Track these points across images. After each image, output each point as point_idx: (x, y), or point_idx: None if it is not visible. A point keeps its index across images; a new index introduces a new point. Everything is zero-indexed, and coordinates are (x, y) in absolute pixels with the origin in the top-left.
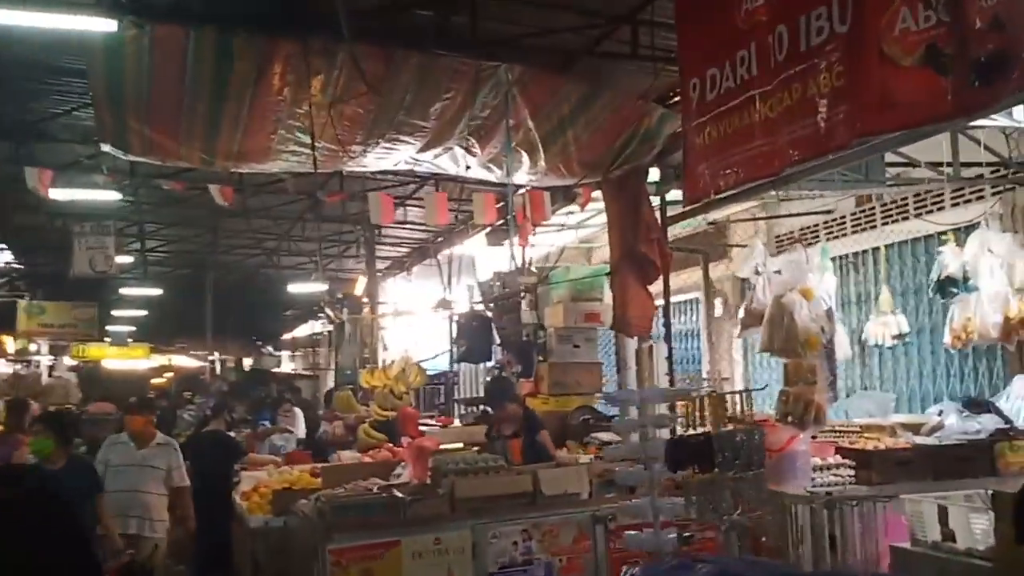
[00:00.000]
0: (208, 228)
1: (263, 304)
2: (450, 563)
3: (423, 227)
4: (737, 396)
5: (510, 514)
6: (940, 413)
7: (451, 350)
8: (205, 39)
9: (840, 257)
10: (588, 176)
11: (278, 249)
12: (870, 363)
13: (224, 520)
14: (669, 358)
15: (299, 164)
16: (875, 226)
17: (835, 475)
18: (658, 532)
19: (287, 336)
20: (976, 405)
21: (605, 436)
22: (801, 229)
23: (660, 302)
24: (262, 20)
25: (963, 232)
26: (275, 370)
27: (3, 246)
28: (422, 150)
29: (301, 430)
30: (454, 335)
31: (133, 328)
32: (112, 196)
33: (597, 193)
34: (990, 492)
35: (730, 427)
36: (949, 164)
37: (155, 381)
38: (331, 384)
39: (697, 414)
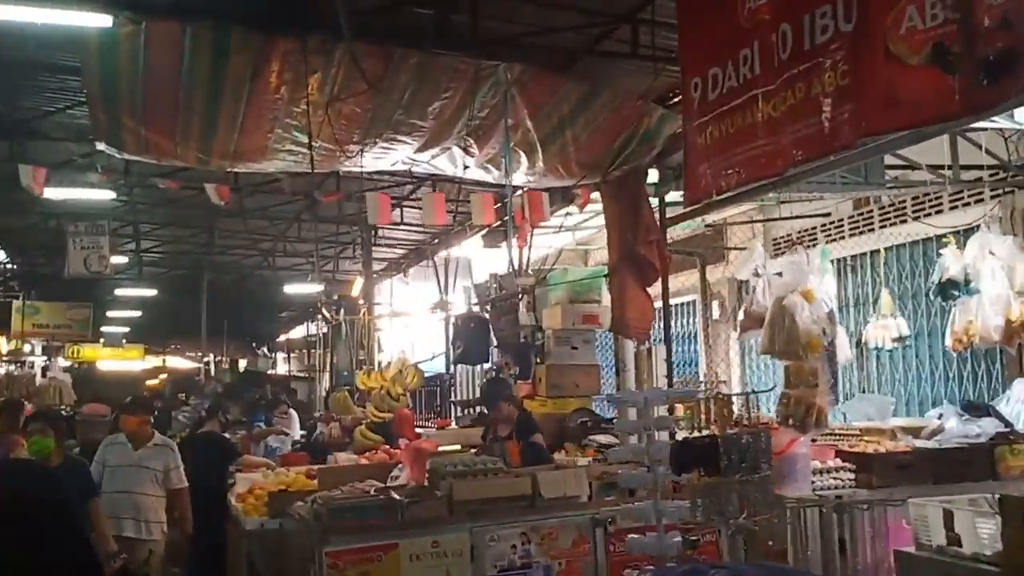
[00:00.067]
0: (203, 228)
1: (258, 305)
2: (448, 566)
3: (420, 228)
4: (740, 399)
5: (509, 517)
6: (940, 417)
7: (447, 352)
8: (202, 36)
9: (838, 260)
10: (587, 177)
11: (274, 250)
12: (868, 366)
13: (219, 522)
14: (668, 360)
15: (296, 164)
16: (873, 229)
17: (835, 478)
18: (662, 536)
19: (282, 338)
20: (976, 409)
21: (603, 438)
22: (799, 232)
23: (659, 304)
24: (260, 17)
25: (962, 235)
26: (270, 372)
27: None
28: (420, 150)
29: (297, 432)
30: (451, 336)
31: (127, 329)
32: (107, 195)
33: (595, 195)
34: (997, 496)
35: (735, 430)
36: (949, 167)
37: (149, 382)
38: (326, 386)
39: (702, 416)
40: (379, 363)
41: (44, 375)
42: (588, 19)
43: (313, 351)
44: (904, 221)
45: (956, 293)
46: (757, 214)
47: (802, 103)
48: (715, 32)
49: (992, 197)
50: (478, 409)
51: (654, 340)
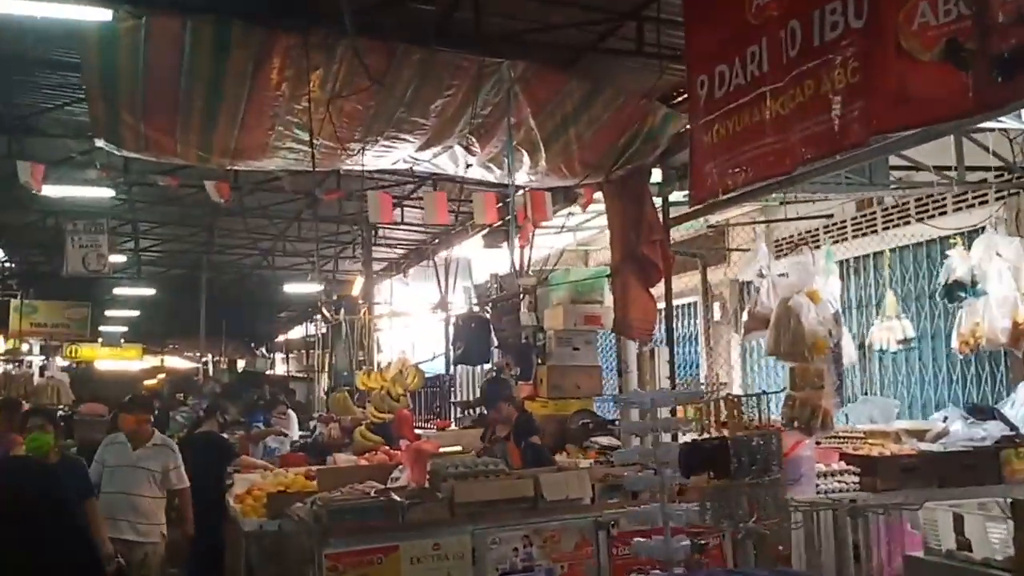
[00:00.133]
0: (203, 227)
1: (257, 305)
2: (449, 569)
3: (420, 228)
4: (746, 400)
5: (511, 519)
6: (945, 419)
7: (447, 352)
8: (203, 30)
9: (841, 262)
10: (590, 176)
11: (273, 249)
12: (871, 368)
13: (217, 523)
14: (671, 362)
15: (296, 161)
16: (876, 231)
17: (840, 481)
18: (668, 540)
19: (281, 338)
20: (981, 412)
21: (605, 440)
22: (801, 233)
23: (661, 305)
24: (261, 12)
25: (965, 237)
26: (268, 372)
27: None
28: (421, 148)
29: (295, 432)
30: (451, 337)
31: (126, 329)
32: (105, 193)
33: (597, 195)
34: (1009, 500)
35: (745, 432)
36: (954, 168)
37: (147, 382)
38: (325, 387)
39: (711, 417)
40: (378, 364)
41: (42, 375)
42: (592, 16)
43: (312, 351)
44: (907, 223)
45: (963, 295)
46: (759, 215)
47: (811, 100)
48: (722, 29)
49: (997, 199)
50: (478, 410)
51: (657, 341)
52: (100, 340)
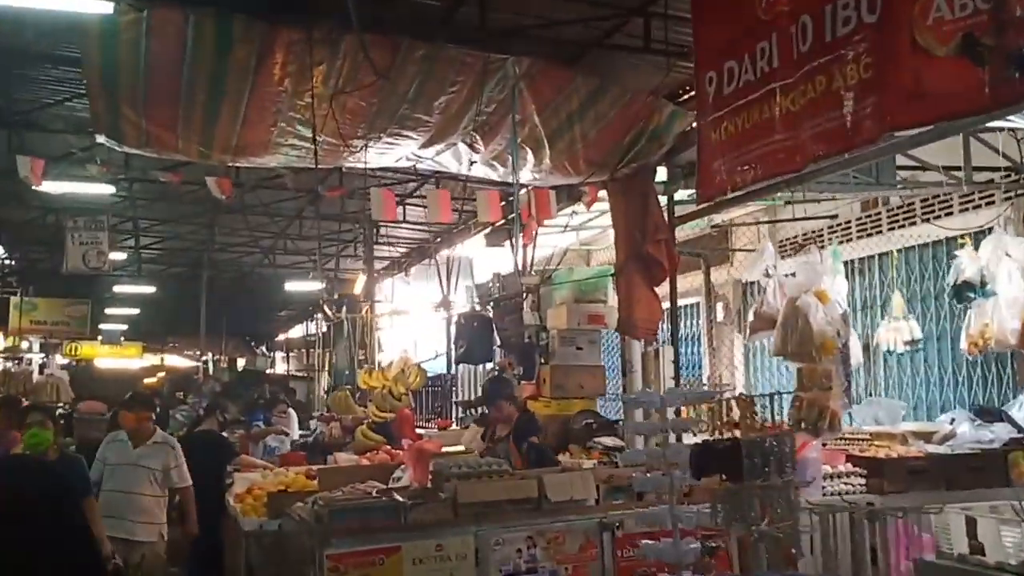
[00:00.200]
0: (204, 225)
1: (257, 304)
2: (452, 570)
3: (422, 227)
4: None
5: (514, 520)
6: (952, 421)
7: (449, 351)
8: (205, 24)
9: (846, 262)
10: (595, 174)
11: (274, 247)
12: (875, 370)
13: (217, 522)
14: (676, 362)
15: (299, 158)
16: (881, 231)
17: (846, 483)
18: (677, 542)
19: (281, 337)
20: (988, 414)
21: (608, 441)
22: (805, 234)
23: (666, 305)
24: (264, 6)
25: (972, 238)
26: (269, 371)
27: None
28: (424, 145)
29: (296, 431)
30: (454, 336)
31: (126, 327)
32: (106, 189)
33: (601, 193)
34: (1023, 503)
35: (758, 433)
36: (960, 168)
37: (147, 381)
38: (325, 386)
39: (723, 418)
40: (379, 363)
41: (41, 372)
42: (599, 12)
43: (312, 350)
44: (913, 223)
45: (972, 295)
46: (763, 215)
47: (822, 97)
48: (731, 24)
49: (1004, 199)
50: (480, 410)
51: (661, 341)
52: (100, 338)
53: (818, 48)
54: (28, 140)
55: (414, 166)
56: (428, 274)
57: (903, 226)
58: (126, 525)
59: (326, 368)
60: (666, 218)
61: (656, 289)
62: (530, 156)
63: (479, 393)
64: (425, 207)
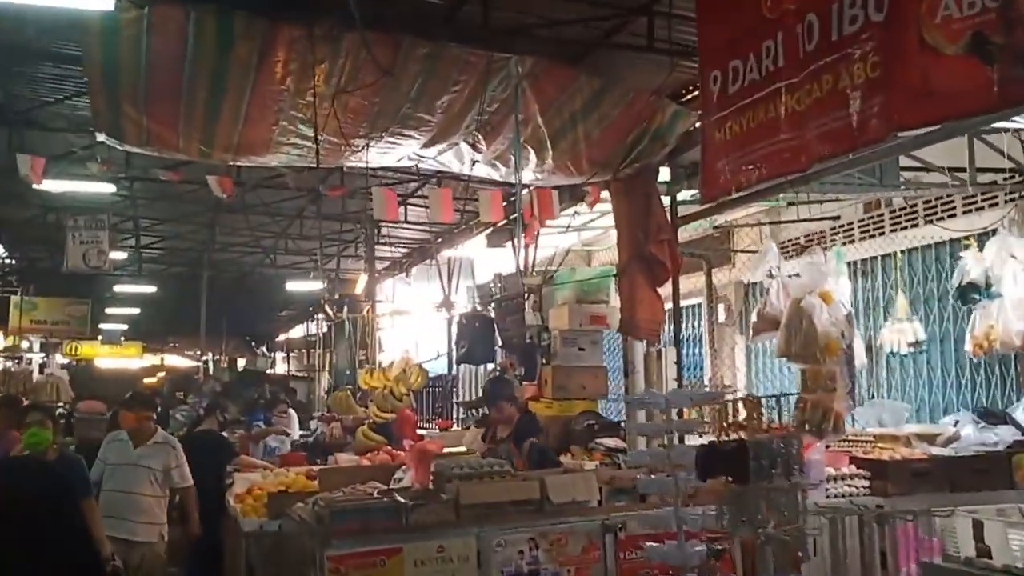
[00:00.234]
0: (205, 224)
1: (258, 304)
2: (454, 571)
3: (423, 227)
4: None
5: (516, 522)
6: (956, 424)
7: (450, 352)
8: (206, 21)
9: (848, 264)
10: (597, 174)
11: (275, 247)
12: (878, 371)
13: (217, 522)
14: (678, 363)
15: (300, 158)
16: (884, 232)
17: (849, 485)
18: (682, 544)
19: (281, 337)
20: (992, 416)
21: (610, 442)
22: (807, 235)
23: (669, 306)
24: (265, 3)
25: (975, 239)
26: (269, 371)
27: None
28: (427, 145)
29: (296, 431)
30: (455, 336)
31: (126, 326)
32: (106, 188)
33: (604, 193)
34: None
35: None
36: (963, 170)
37: (147, 380)
38: (325, 386)
39: (729, 419)
40: (380, 363)
41: (41, 372)
42: (602, 11)
43: (312, 351)
44: (916, 225)
45: (977, 297)
46: (765, 216)
47: (829, 96)
48: (736, 23)
49: (1008, 201)
50: (481, 410)
51: (664, 342)
52: (100, 338)
53: (824, 47)
54: (28, 138)
55: (416, 166)
56: (429, 274)
57: (906, 227)
58: (126, 525)
59: (327, 368)
60: (669, 218)
61: (659, 290)
62: (533, 156)
63: (480, 394)
64: (427, 207)
